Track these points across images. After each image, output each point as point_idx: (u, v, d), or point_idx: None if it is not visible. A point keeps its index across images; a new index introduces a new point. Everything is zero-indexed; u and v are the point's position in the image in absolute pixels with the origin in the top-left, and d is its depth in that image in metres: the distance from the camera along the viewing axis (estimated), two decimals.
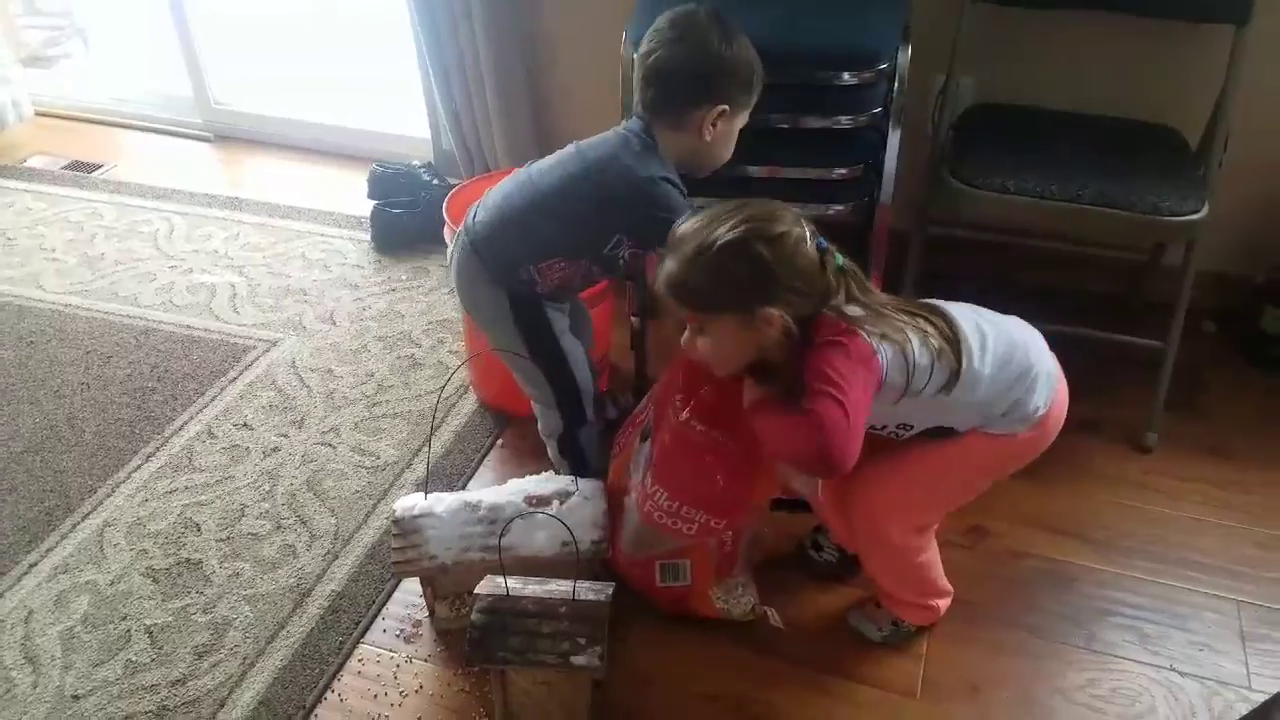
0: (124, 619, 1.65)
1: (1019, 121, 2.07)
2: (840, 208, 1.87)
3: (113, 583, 1.72)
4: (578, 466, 1.78)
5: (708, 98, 1.51)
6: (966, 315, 1.38)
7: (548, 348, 1.68)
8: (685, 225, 1.34)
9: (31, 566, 1.75)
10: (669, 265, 1.33)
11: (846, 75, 1.76)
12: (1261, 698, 1.44)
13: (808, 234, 1.30)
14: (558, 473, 1.72)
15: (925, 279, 2.04)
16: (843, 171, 1.84)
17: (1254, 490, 1.91)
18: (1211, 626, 1.65)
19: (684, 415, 1.51)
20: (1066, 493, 1.88)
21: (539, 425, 1.81)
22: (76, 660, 1.58)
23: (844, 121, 1.81)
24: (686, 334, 1.38)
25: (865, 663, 1.59)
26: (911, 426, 1.41)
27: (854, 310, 1.30)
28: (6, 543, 1.79)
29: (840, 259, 1.31)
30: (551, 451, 1.81)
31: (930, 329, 1.32)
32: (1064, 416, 1.42)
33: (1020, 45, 2.14)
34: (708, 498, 1.53)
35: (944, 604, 1.62)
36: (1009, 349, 1.36)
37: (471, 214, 1.65)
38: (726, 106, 1.52)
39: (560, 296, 1.69)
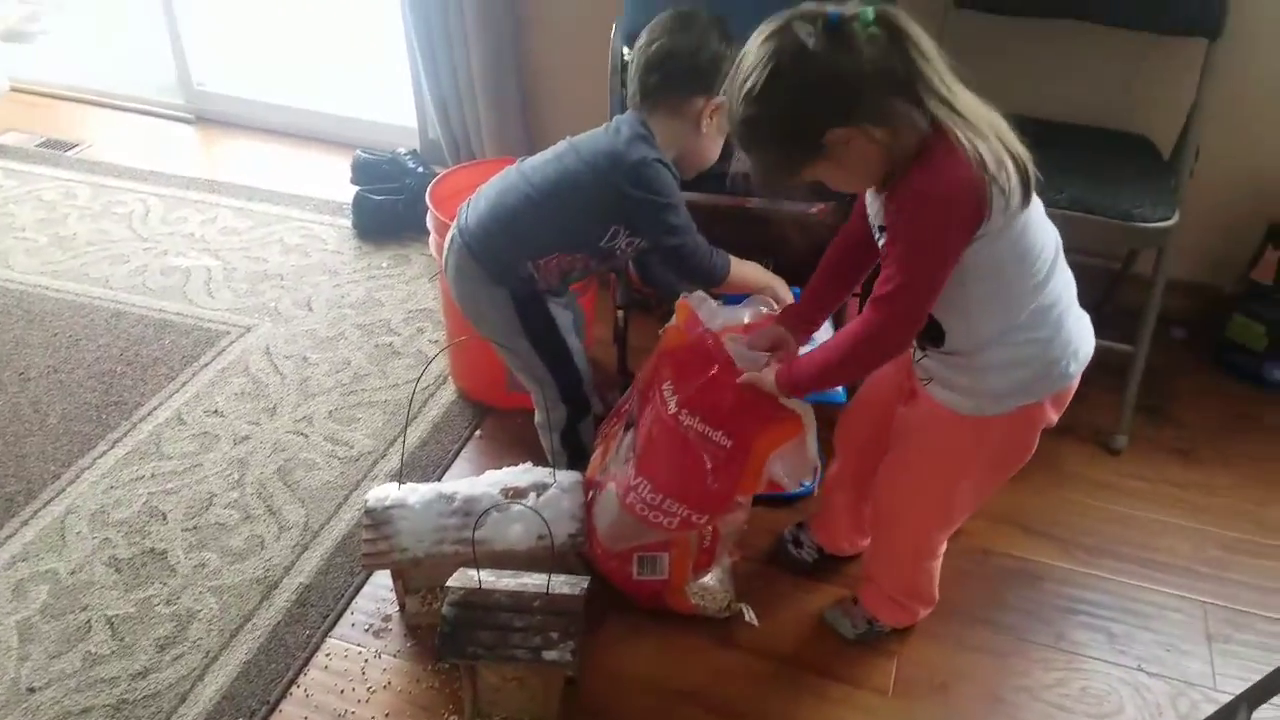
0: (84, 609, 1.61)
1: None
2: (821, 205, 1.85)
3: (74, 572, 1.67)
4: (577, 458, 1.78)
5: (709, 88, 1.52)
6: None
7: (553, 344, 1.68)
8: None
9: None
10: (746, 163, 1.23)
11: None
12: (1226, 698, 1.44)
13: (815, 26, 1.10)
14: (554, 465, 1.70)
15: None
16: None
17: (1220, 493, 1.93)
18: (1178, 627, 1.66)
19: (674, 407, 1.49)
20: (1036, 492, 1.89)
21: (538, 419, 1.79)
22: (33, 651, 1.54)
23: None
24: None
25: (839, 660, 1.59)
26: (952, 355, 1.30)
27: (933, 107, 1.11)
28: None
29: (869, 15, 1.09)
30: (551, 443, 1.79)
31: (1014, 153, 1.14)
32: (1071, 394, 1.34)
33: (1000, 54, 2.15)
34: (692, 492, 1.51)
35: (925, 612, 1.62)
36: (1071, 294, 1.28)
37: (463, 215, 1.64)
38: (725, 99, 1.49)
39: (562, 290, 1.70)
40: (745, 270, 1.66)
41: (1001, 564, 1.76)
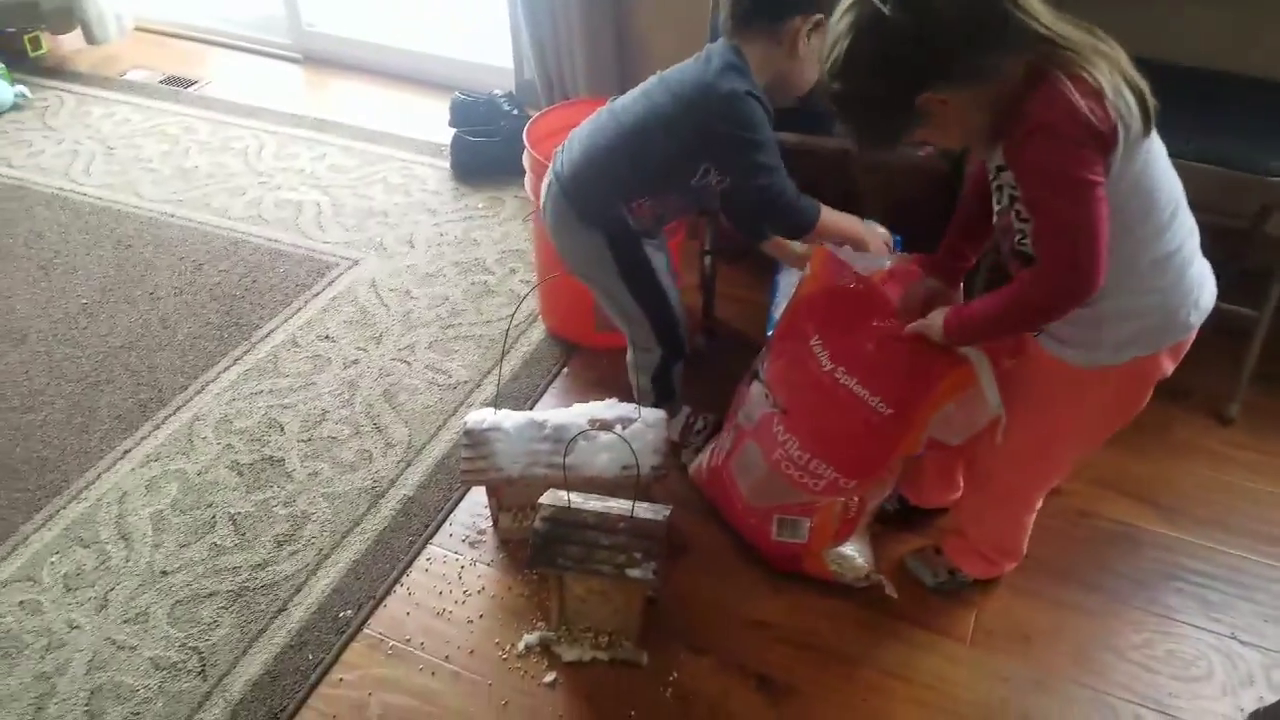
0: (210, 506, 1.75)
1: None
2: (929, 147, 1.83)
3: (200, 472, 1.82)
4: (664, 398, 1.81)
5: (804, 5, 1.45)
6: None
7: (649, 286, 1.69)
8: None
9: (126, 453, 1.86)
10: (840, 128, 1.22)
11: None
12: None
13: None
14: (639, 404, 1.73)
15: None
16: None
17: None
18: None
19: (827, 363, 1.47)
20: (1141, 458, 1.86)
21: (629, 358, 1.82)
22: (165, 540, 1.69)
23: None
24: None
25: (918, 605, 1.61)
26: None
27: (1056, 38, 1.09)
28: (104, 429, 1.90)
29: None
30: (641, 382, 1.82)
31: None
32: (1189, 345, 1.29)
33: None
34: (843, 455, 1.49)
35: (1010, 567, 1.62)
36: (1195, 243, 1.24)
37: (558, 160, 1.65)
38: (822, 15, 1.44)
39: (656, 232, 1.68)
40: (837, 219, 1.60)
41: (1099, 526, 1.75)
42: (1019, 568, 1.63)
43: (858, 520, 1.58)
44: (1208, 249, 1.28)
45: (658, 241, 1.72)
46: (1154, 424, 1.70)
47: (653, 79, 1.60)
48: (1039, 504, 1.53)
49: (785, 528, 1.60)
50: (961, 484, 1.69)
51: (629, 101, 1.60)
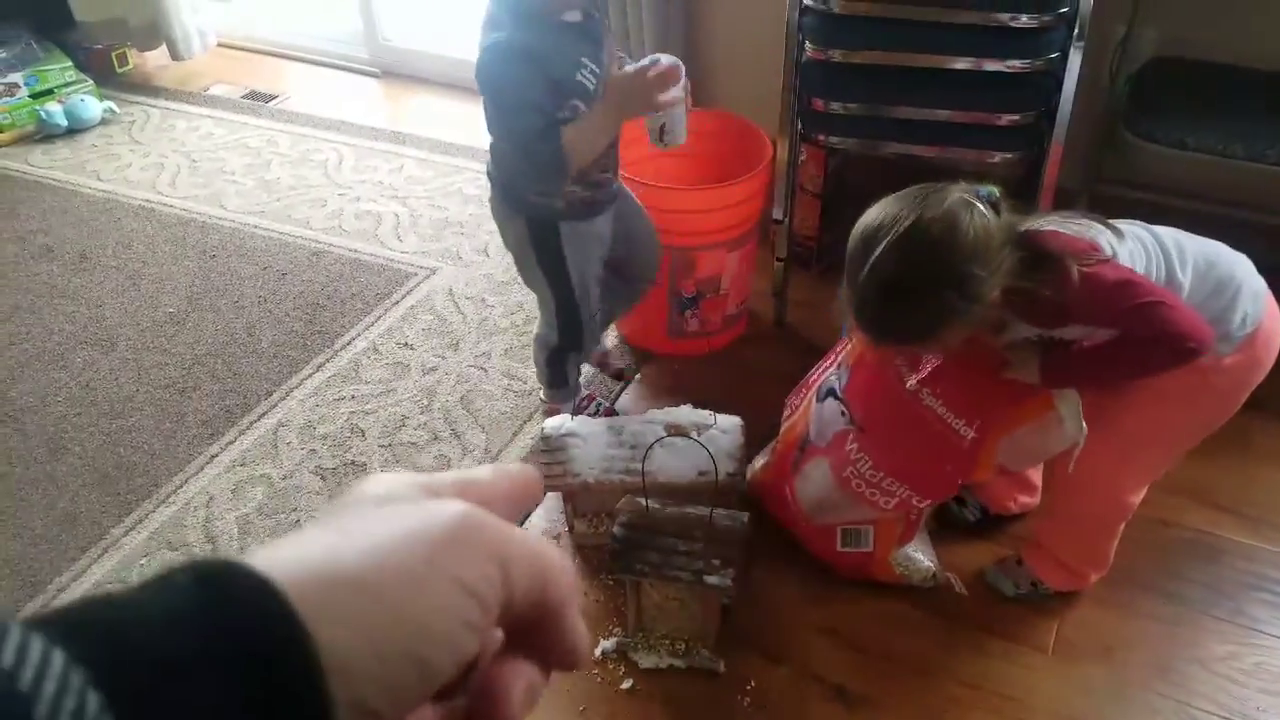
0: (294, 510, 1.80)
1: (1203, 77, 1.98)
2: (1006, 155, 1.82)
3: (285, 477, 1.86)
4: (557, 382, 1.87)
5: None
6: (1164, 231, 1.32)
7: (560, 277, 1.70)
8: (862, 266, 1.24)
9: (213, 458, 1.91)
10: (860, 322, 1.29)
11: (1025, 17, 1.70)
12: None
13: (977, 203, 1.21)
14: (537, 378, 1.85)
15: None
16: (1013, 117, 1.79)
17: None
18: None
19: (912, 382, 1.46)
20: (1223, 467, 1.82)
21: (535, 329, 1.87)
22: (251, 543, 1.73)
23: (1018, 65, 1.75)
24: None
25: (998, 616, 1.59)
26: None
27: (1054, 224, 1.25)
28: (191, 435, 1.96)
29: (991, 193, 1.23)
30: (537, 356, 1.87)
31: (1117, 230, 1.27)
32: (1276, 339, 1.33)
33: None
34: (921, 475, 1.48)
35: (1094, 578, 1.58)
36: (1209, 261, 1.29)
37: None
38: None
39: (587, 211, 1.65)
40: (581, 132, 1.49)
41: (1180, 536, 1.71)
42: (1102, 578, 1.60)
43: (919, 523, 1.58)
44: None
45: (594, 224, 1.68)
46: (1234, 433, 1.66)
47: None
48: (1133, 510, 1.50)
49: (849, 538, 1.60)
50: (1038, 484, 1.67)
51: None
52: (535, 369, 1.90)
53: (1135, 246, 1.27)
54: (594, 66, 1.51)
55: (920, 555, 1.61)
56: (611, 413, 1.96)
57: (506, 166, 1.63)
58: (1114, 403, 1.38)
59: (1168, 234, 1.31)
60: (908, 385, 1.47)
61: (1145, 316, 1.19)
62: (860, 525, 1.58)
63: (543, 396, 1.96)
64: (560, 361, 1.85)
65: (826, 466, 1.57)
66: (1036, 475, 1.67)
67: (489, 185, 1.69)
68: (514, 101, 1.48)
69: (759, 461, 1.78)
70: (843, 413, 1.57)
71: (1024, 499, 1.71)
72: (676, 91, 1.54)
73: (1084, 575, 1.58)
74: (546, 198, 1.62)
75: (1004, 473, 1.51)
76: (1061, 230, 1.23)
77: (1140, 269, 1.25)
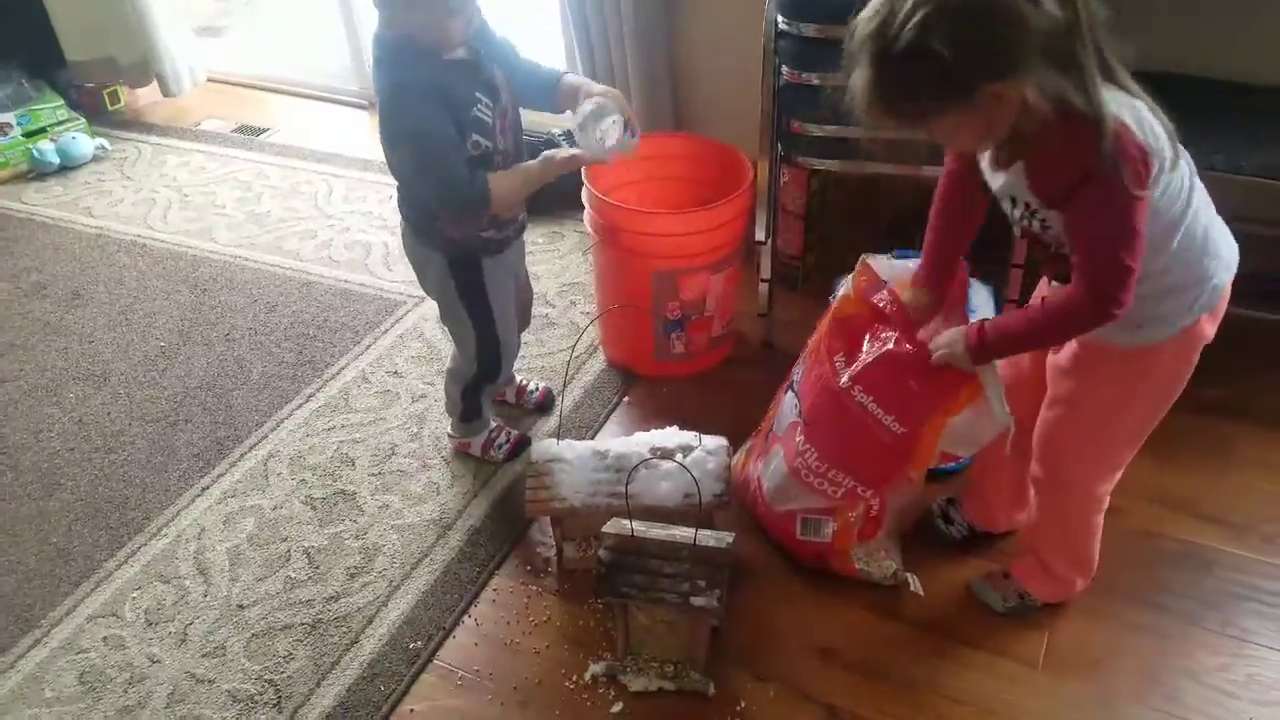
0: (285, 540, 1.80)
1: (1179, 91, 1.97)
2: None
3: (275, 507, 1.87)
4: (469, 415, 1.88)
5: None
6: (1199, 191, 1.26)
7: (481, 309, 1.73)
8: (861, 19, 1.14)
9: (204, 489, 1.92)
10: (857, 80, 1.15)
11: None
12: None
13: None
14: (449, 413, 1.88)
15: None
16: None
17: None
18: None
19: (846, 379, 1.51)
20: (1207, 476, 1.82)
21: (449, 364, 1.87)
22: (242, 574, 1.74)
23: None
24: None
25: (987, 631, 1.59)
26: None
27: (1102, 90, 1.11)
28: (182, 468, 1.97)
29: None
30: (451, 391, 1.87)
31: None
32: (1216, 321, 1.32)
33: (1183, 11, 2.03)
34: (860, 467, 1.53)
35: (1081, 584, 1.59)
36: (1199, 252, 1.27)
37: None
38: None
39: (500, 245, 1.70)
40: (508, 179, 1.58)
41: (1167, 547, 1.72)
42: (1088, 590, 1.60)
43: (881, 519, 1.60)
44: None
45: (506, 257, 1.72)
46: (1218, 442, 1.68)
47: None
48: (1106, 502, 1.50)
49: (809, 527, 1.63)
50: (1030, 501, 1.66)
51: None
52: (447, 404, 1.91)
53: (1175, 191, 1.20)
54: (488, 100, 1.55)
55: (883, 553, 1.63)
56: (523, 440, 1.96)
57: (420, 205, 1.66)
58: (1080, 383, 1.38)
59: (1200, 195, 1.26)
60: (841, 382, 1.51)
61: (1109, 266, 1.16)
62: (819, 515, 1.61)
63: (450, 432, 1.95)
64: (476, 394, 1.87)
65: (781, 456, 1.62)
66: (1029, 493, 1.66)
67: (401, 223, 1.72)
68: (438, 144, 1.49)
69: (743, 450, 1.81)
70: (795, 406, 1.62)
71: (1017, 516, 1.71)
72: (607, 123, 1.60)
73: (1070, 582, 1.59)
74: (465, 234, 1.65)
75: (946, 458, 1.52)
76: (1132, 126, 1.12)
77: (1160, 214, 1.19)
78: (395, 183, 1.68)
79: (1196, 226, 1.24)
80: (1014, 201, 1.27)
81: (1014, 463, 1.59)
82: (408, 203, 1.69)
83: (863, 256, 1.59)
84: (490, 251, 1.70)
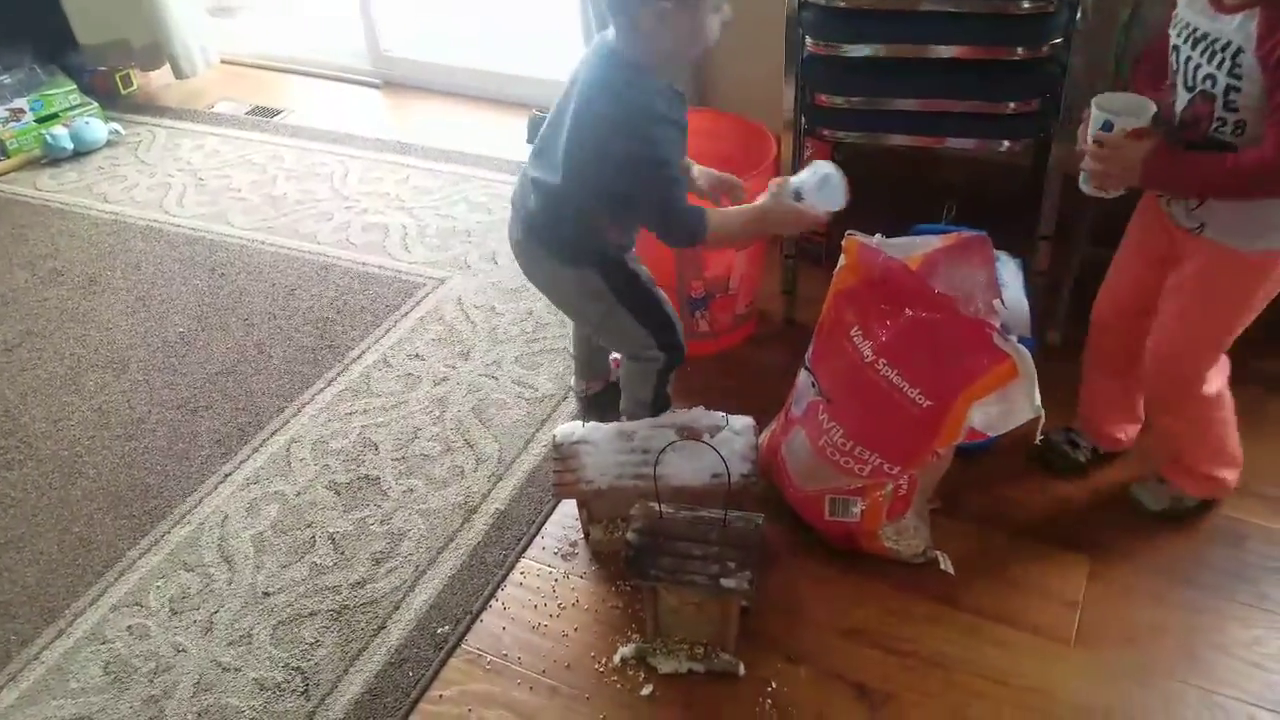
0: (309, 526, 1.79)
1: None
2: (1011, 144, 1.81)
3: (299, 493, 1.86)
4: (664, 404, 1.82)
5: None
6: None
7: (646, 301, 1.71)
8: None
9: (226, 476, 1.91)
10: None
11: (1026, 3, 1.69)
12: None
13: None
14: (633, 416, 1.80)
15: (1101, 227, 1.96)
16: (1016, 105, 1.78)
17: None
18: None
19: (869, 354, 1.49)
20: (1243, 449, 1.77)
21: (624, 374, 1.82)
22: (267, 561, 1.73)
23: (1020, 52, 1.74)
24: None
25: (1020, 607, 1.58)
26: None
27: None
28: (204, 455, 1.96)
29: None
30: (642, 395, 1.81)
31: None
32: None
33: None
34: (886, 443, 1.52)
35: (1233, 477, 1.64)
36: None
37: (523, 195, 1.66)
38: (667, 4, 1.43)
39: (631, 243, 1.72)
40: (731, 216, 1.60)
41: (1203, 522, 1.70)
42: (1121, 565, 1.61)
43: (910, 497, 1.59)
44: None
45: (633, 251, 1.74)
46: (1251, 413, 1.66)
47: (568, 100, 1.58)
48: (1227, 401, 1.57)
49: (837, 507, 1.62)
50: (1141, 414, 1.74)
51: (566, 132, 1.57)
52: (633, 412, 1.82)
53: None
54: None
55: (913, 531, 1.63)
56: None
57: (587, 224, 1.62)
58: (1200, 287, 1.43)
59: None
60: (865, 357, 1.50)
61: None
62: (848, 495, 1.60)
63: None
64: (668, 380, 1.82)
65: (804, 436, 1.61)
66: (1139, 405, 1.72)
67: (527, 243, 1.68)
68: (675, 173, 1.56)
69: (769, 429, 1.80)
70: (813, 384, 1.60)
71: (1132, 430, 1.77)
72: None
73: (1219, 479, 1.64)
74: (606, 249, 1.66)
75: (973, 435, 1.51)
76: None
77: None
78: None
79: None
80: (1215, 53, 1.25)
81: (1121, 385, 1.69)
82: (572, 222, 1.63)
83: (847, 234, 1.56)
84: (627, 246, 1.71)
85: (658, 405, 1.82)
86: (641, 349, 1.76)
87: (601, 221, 1.63)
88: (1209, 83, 1.28)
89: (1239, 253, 1.38)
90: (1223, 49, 1.25)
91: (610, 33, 1.52)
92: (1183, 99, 1.34)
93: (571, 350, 2.05)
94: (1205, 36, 1.27)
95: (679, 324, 1.77)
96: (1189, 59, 1.31)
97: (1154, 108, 1.37)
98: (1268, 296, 1.44)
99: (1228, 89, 1.26)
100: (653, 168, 1.50)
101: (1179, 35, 1.33)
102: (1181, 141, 1.35)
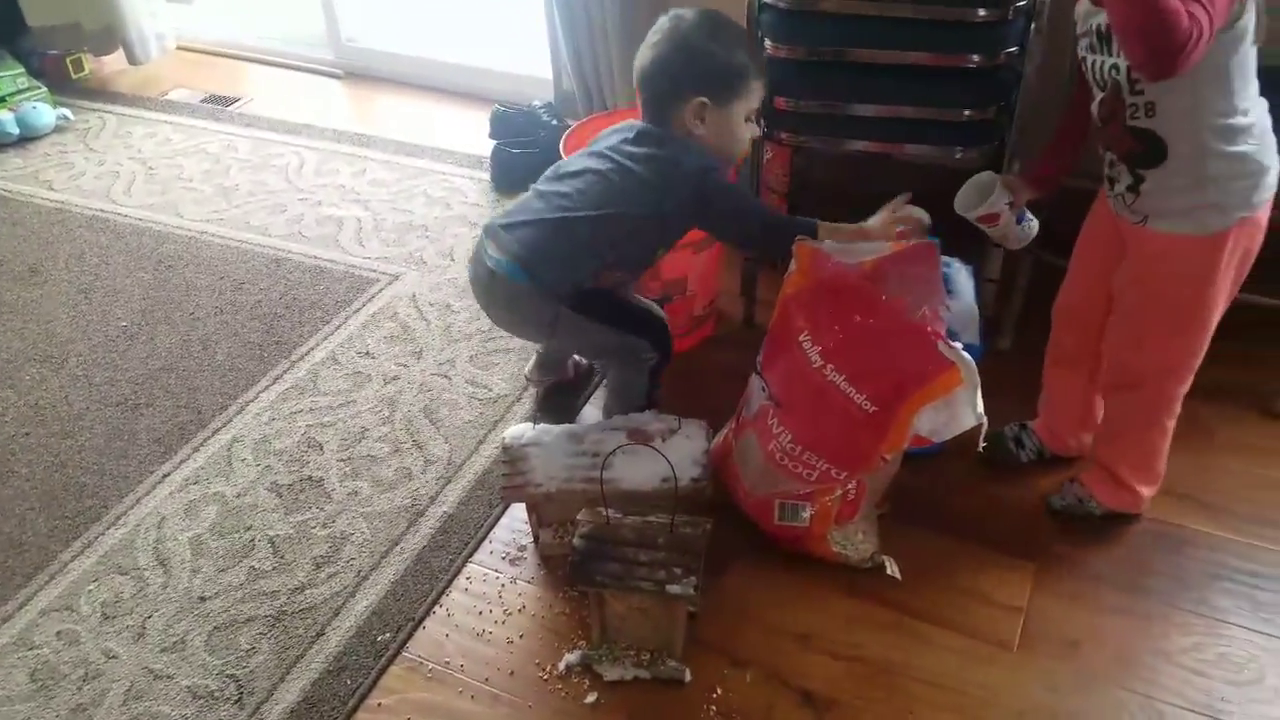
0: (249, 529, 1.75)
1: None
2: (966, 151, 1.81)
3: (239, 495, 1.82)
4: (657, 398, 1.83)
5: (680, 93, 1.56)
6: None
7: (618, 311, 1.73)
8: None
9: (165, 476, 1.87)
10: None
11: (981, 10, 1.69)
12: None
13: None
14: (625, 411, 1.79)
15: (1057, 234, 1.96)
16: (972, 113, 1.78)
17: None
18: None
19: (817, 360, 1.49)
20: (1185, 458, 1.78)
21: (613, 383, 1.85)
22: (204, 565, 1.69)
23: (976, 60, 1.74)
24: None
25: (964, 613, 1.58)
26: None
27: None
28: (143, 453, 1.91)
29: None
30: (635, 390, 1.81)
31: None
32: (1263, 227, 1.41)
33: None
34: (833, 448, 1.52)
35: (1147, 495, 1.66)
36: (1265, 130, 1.35)
37: (507, 239, 1.65)
38: (705, 100, 1.54)
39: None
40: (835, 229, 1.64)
41: (1144, 528, 1.71)
42: (1064, 572, 1.62)
43: (859, 502, 1.59)
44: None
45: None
46: (1195, 420, 1.70)
47: (589, 156, 1.66)
48: (1178, 408, 1.57)
49: (786, 512, 1.62)
50: (1099, 421, 1.73)
51: (580, 184, 1.63)
52: (624, 408, 1.81)
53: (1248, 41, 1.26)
54: None
55: (861, 535, 1.63)
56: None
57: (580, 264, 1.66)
58: (1150, 278, 1.46)
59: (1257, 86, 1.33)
60: (813, 363, 1.50)
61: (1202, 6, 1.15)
62: (797, 500, 1.59)
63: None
64: (657, 381, 1.82)
65: (755, 441, 1.61)
66: (1097, 410, 1.72)
67: (508, 280, 1.66)
68: (734, 206, 1.66)
69: (722, 432, 1.79)
70: (763, 388, 1.60)
71: (1085, 438, 1.77)
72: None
73: (1136, 492, 1.66)
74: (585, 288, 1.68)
75: (919, 441, 1.53)
76: None
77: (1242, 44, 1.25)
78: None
79: (1261, 119, 1.32)
80: (1107, 40, 1.30)
81: (1081, 384, 1.69)
82: (540, 259, 1.64)
83: (798, 239, 1.57)
84: (625, 283, 1.76)
85: (654, 396, 1.83)
86: (633, 356, 1.76)
87: (601, 268, 1.66)
88: (1114, 72, 1.32)
89: (1185, 238, 1.39)
90: (1110, 31, 1.29)
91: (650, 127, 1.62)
92: (1098, 98, 1.39)
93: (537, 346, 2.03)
94: (1095, 29, 1.33)
95: (663, 319, 1.79)
96: (1095, 62, 1.36)
97: (996, 182, 1.53)
98: (1221, 286, 1.43)
99: (1128, 71, 1.30)
100: (736, 209, 1.62)
101: (1085, 47, 1.38)
102: (1107, 137, 1.41)
